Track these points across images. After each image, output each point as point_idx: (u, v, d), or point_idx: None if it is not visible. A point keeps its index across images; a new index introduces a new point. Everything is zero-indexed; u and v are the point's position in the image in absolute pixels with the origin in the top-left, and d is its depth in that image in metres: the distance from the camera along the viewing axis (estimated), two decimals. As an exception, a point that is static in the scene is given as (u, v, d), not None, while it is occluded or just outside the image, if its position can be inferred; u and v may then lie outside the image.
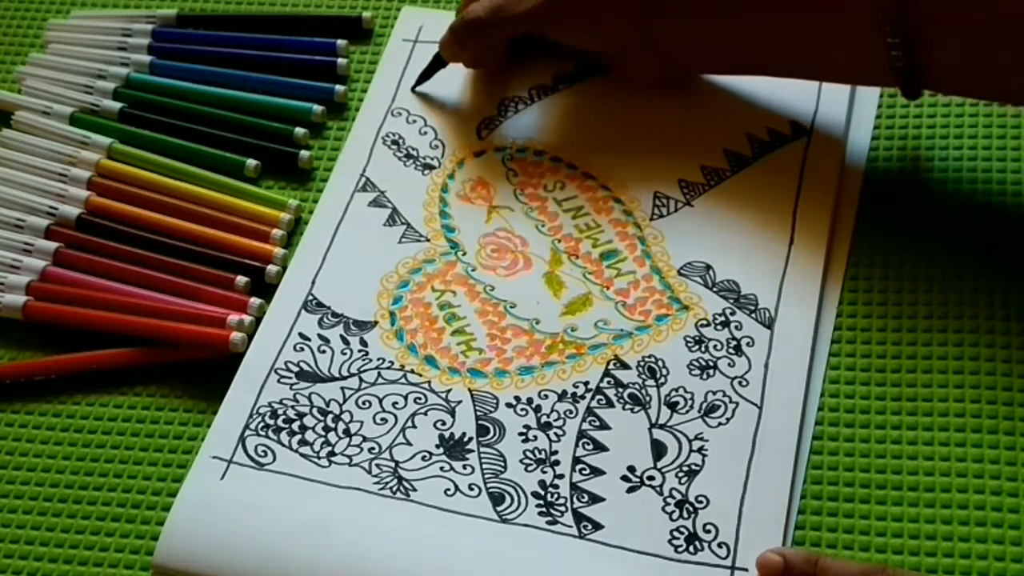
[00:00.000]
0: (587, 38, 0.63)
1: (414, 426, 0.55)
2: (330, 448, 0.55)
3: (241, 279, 0.61)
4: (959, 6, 0.53)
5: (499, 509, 0.53)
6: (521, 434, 0.55)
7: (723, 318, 0.57)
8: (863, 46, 0.55)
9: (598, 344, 0.57)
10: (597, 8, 0.60)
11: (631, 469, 0.53)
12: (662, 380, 0.56)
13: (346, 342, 0.58)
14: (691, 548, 0.51)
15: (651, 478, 0.53)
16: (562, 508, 0.52)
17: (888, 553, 0.50)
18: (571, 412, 0.55)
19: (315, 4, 0.74)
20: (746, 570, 0.50)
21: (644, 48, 0.61)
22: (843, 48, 0.57)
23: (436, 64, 0.67)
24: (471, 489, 0.53)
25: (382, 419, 0.56)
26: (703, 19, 0.59)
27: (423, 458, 0.54)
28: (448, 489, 0.53)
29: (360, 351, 0.58)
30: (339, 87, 0.69)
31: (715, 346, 0.56)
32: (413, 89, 0.68)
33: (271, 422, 0.56)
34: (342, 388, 0.57)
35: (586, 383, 0.56)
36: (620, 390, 0.56)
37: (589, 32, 0.62)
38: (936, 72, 0.55)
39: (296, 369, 0.58)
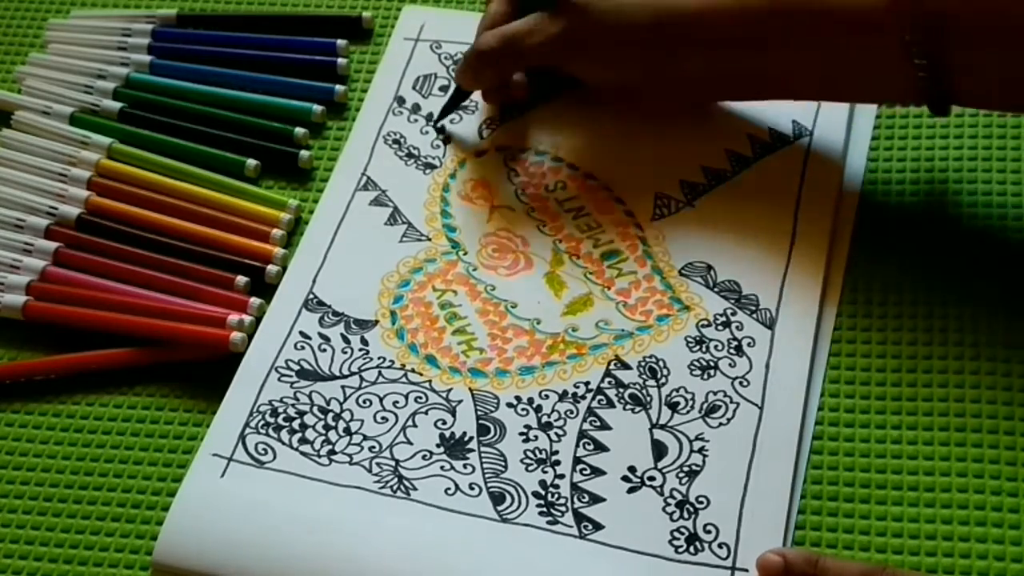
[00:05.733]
0: (598, 73, 0.62)
1: (415, 425, 0.55)
2: (330, 447, 0.55)
3: (241, 279, 0.61)
4: (984, 20, 0.52)
5: (499, 509, 0.53)
6: (522, 434, 0.55)
7: (724, 318, 0.57)
8: (888, 67, 0.54)
9: (599, 344, 0.57)
10: (608, 44, 0.59)
11: (632, 469, 0.53)
12: (663, 380, 0.56)
13: (347, 341, 0.58)
14: (691, 548, 0.51)
15: (652, 478, 0.53)
16: (562, 508, 0.52)
17: (888, 553, 0.50)
18: (572, 412, 0.55)
19: (315, 4, 0.74)
20: (746, 571, 0.50)
21: (655, 82, 0.60)
22: (865, 71, 0.56)
23: (458, 96, 0.66)
24: (471, 488, 0.53)
25: (383, 418, 0.56)
26: (713, 51, 0.58)
27: (424, 457, 0.54)
28: (448, 488, 0.53)
29: (361, 350, 0.58)
30: (339, 87, 0.69)
31: (716, 346, 0.56)
32: (436, 124, 0.66)
33: (271, 420, 0.56)
34: (343, 387, 0.57)
35: (587, 383, 0.56)
36: (621, 390, 0.56)
37: (601, 67, 0.61)
38: (963, 87, 0.54)
39: (297, 367, 0.58)
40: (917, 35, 0.53)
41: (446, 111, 0.66)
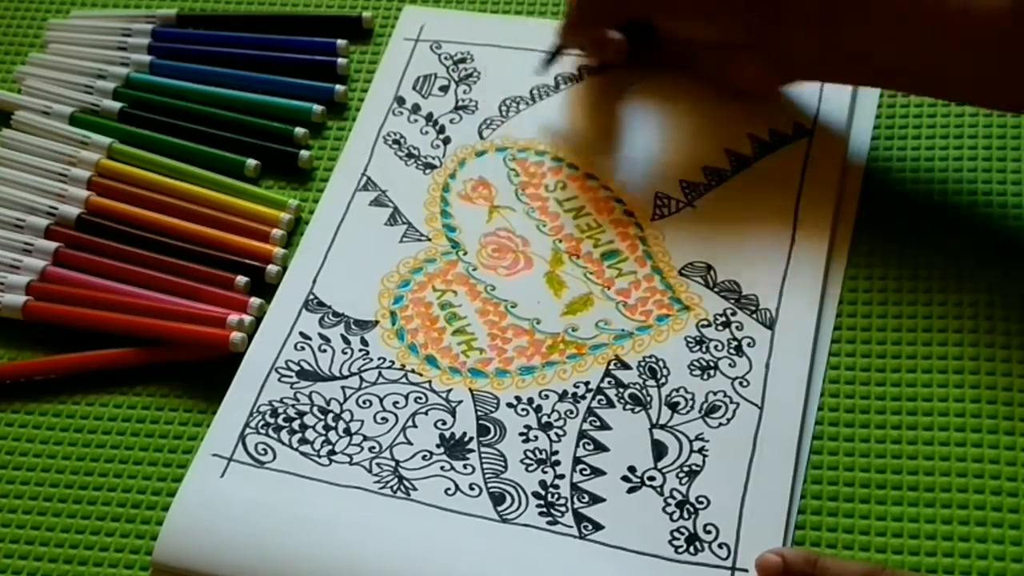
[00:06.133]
0: (699, 27, 0.61)
1: (415, 425, 0.55)
2: (330, 447, 0.55)
3: (241, 279, 0.61)
4: None
5: (499, 509, 0.53)
6: (522, 434, 0.55)
7: (724, 318, 0.57)
8: (993, 64, 0.53)
9: (599, 344, 0.57)
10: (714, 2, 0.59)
11: (632, 469, 0.53)
12: (663, 380, 0.56)
13: (347, 341, 0.58)
14: (691, 549, 0.51)
15: (651, 478, 0.53)
16: (562, 508, 0.52)
17: (888, 553, 0.50)
18: (572, 412, 0.55)
19: (315, 4, 0.74)
20: (746, 571, 0.50)
21: (757, 48, 0.59)
22: (974, 65, 0.54)
23: (556, 54, 0.65)
24: (471, 489, 0.53)
25: (383, 418, 0.56)
26: (826, 28, 0.56)
27: (424, 457, 0.54)
28: (448, 489, 0.53)
29: (361, 350, 0.58)
30: (339, 87, 0.69)
31: (716, 346, 0.56)
32: (545, 66, 0.65)
33: (271, 420, 0.56)
34: (343, 387, 0.57)
35: (587, 383, 0.56)
36: (621, 390, 0.56)
37: (703, 20, 0.60)
38: None
39: (297, 368, 0.58)
40: None
41: (548, 63, 0.65)
